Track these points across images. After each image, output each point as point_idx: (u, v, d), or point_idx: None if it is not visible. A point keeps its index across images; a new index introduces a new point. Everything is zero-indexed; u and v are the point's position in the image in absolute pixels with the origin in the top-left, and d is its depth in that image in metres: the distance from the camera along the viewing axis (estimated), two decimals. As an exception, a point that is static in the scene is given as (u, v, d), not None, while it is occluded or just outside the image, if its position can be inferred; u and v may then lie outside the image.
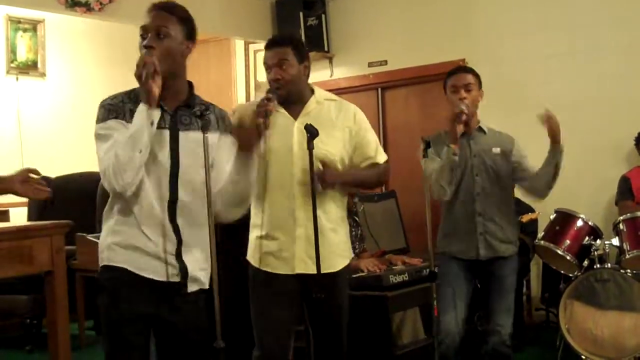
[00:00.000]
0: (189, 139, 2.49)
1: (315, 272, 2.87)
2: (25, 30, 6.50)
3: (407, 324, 4.50)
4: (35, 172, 2.74)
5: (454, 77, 3.59)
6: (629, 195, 5.18)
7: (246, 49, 7.68)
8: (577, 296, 4.48)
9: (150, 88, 2.36)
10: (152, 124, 2.38)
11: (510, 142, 3.64)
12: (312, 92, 3.14)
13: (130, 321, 2.46)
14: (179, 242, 2.49)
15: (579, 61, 5.83)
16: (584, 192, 5.59)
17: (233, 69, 7.76)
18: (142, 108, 2.38)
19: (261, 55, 7.52)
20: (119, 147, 2.37)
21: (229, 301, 3.57)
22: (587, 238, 4.59)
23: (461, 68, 3.81)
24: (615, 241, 4.62)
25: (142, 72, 2.34)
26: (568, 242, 4.56)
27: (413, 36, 6.67)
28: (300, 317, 3.14)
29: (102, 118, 2.47)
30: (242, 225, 3.22)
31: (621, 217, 4.65)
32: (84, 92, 6.76)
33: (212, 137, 2.52)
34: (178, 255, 2.49)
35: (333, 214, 3.10)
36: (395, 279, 4.15)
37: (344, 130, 3.10)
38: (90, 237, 5.00)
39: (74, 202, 5.62)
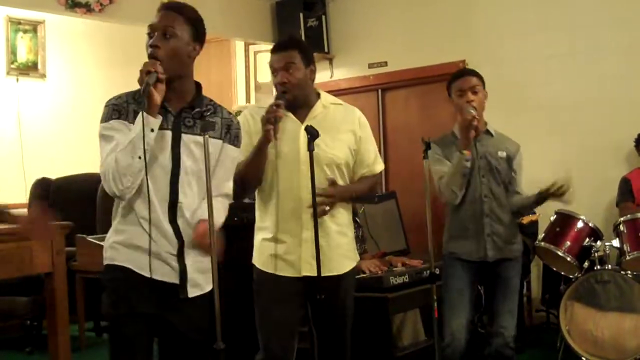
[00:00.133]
0: (191, 141, 2.48)
1: (321, 274, 2.88)
2: (25, 31, 6.49)
3: (408, 325, 4.49)
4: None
5: (460, 80, 3.54)
6: (630, 197, 5.19)
7: (246, 50, 7.69)
8: (578, 297, 4.48)
9: (152, 96, 2.35)
10: (152, 131, 2.37)
11: (516, 150, 3.63)
12: (318, 95, 3.13)
13: (132, 321, 2.46)
14: (180, 244, 2.48)
15: (579, 62, 5.82)
16: (584, 193, 5.56)
17: (233, 70, 7.75)
18: (142, 115, 2.36)
19: (261, 56, 7.59)
20: (120, 151, 2.37)
21: (230, 303, 3.56)
22: (587, 239, 4.58)
23: (465, 71, 3.79)
24: (616, 242, 4.62)
25: (145, 80, 2.33)
26: (568, 243, 4.56)
27: (413, 37, 6.66)
28: (304, 319, 3.13)
29: (105, 118, 2.48)
30: (244, 226, 3.21)
31: (622, 219, 4.65)
32: (84, 93, 6.76)
33: (214, 143, 2.50)
34: (179, 256, 2.48)
35: (340, 217, 3.11)
36: (396, 281, 4.14)
37: (349, 134, 3.10)
38: (90, 238, 5.00)
39: (74, 204, 5.63)
